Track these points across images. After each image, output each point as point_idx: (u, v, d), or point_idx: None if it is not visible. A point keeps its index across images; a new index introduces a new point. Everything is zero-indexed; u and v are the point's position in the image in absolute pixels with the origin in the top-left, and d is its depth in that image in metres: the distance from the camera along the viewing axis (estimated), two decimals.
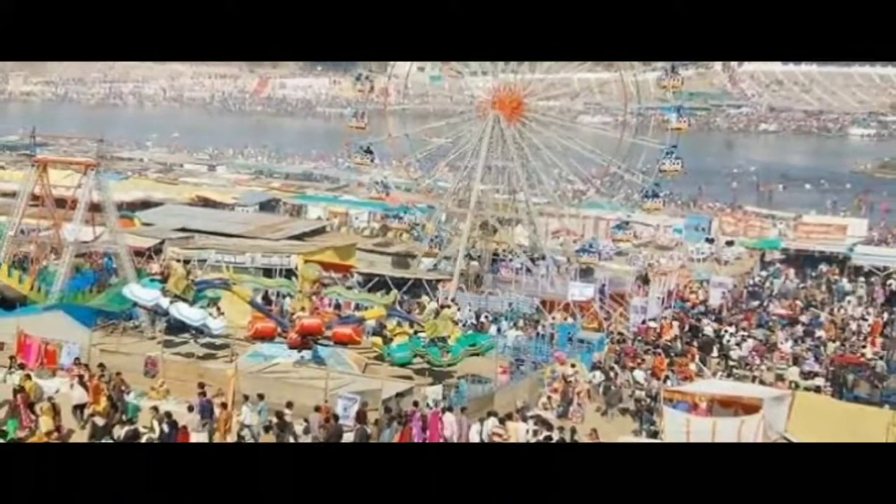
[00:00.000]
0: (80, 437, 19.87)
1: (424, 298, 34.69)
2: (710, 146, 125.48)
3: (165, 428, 19.06)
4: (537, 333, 31.70)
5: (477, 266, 41.69)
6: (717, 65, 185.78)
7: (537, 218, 43.65)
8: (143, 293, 26.70)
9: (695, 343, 32.35)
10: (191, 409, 20.27)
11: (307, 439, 19.47)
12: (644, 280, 41.33)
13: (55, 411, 19.39)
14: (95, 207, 33.10)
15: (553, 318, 34.51)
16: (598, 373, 27.17)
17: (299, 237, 41.89)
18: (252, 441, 19.72)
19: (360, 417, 20.65)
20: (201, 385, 21.41)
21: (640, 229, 51.63)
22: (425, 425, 20.23)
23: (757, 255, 53.77)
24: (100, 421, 19.85)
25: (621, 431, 22.72)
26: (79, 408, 21.25)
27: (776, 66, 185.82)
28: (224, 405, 20.48)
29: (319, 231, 45.58)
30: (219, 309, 26.90)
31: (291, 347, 25.53)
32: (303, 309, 25.91)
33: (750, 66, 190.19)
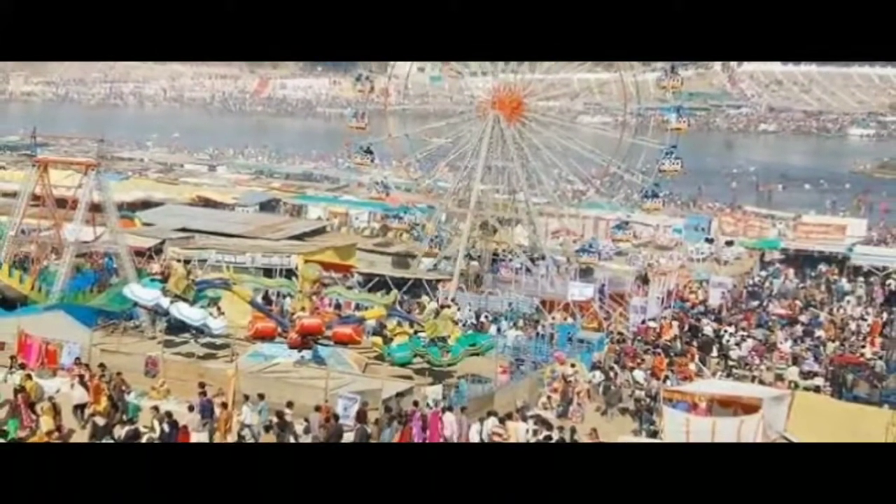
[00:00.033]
0: (81, 436, 19.89)
1: (424, 298, 34.71)
2: (709, 146, 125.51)
3: (166, 428, 19.09)
4: (537, 333, 31.72)
5: (477, 266, 41.71)
6: (717, 65, 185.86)
7: (537, 218, 43.66)
8: (143, 293, 26.72)
9: (694, 343, 32.37)
10: (191, 408, 20.28)
11: (307, 439, 19.49)
12: (644, 280, 41.36)
13: (56, 411, 19.42)
14: (96, 207, 33.14)
15: (553, 318, 34.52)
16: (597, 373, 27.18)
17: (299, 237, 41.92)
18: (252, 441, 19.74)
19: (361, 417, 20.67)
20: (202, 385, 21.43)
21: (639, 229, 51.65)
22: (425, 425, 20.24)
23: (756, 255, 53.80)
24: (100, 421, 19.87)
25: (621, 431, 22.72)
26: (79, 408, 21.27)
27: (776, 67, 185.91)
28: (224, 405, 20.49)
29: (320, 231, 45.61)
30: (219, 309, 26.92)
31: (292, 347, 25.54)
32: (303, 309, 25.92)
33: (749, 67, 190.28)
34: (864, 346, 33.57)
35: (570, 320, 34.23)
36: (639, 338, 33.08)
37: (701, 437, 17.74)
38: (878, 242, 57.14)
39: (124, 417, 19.97)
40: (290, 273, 32.92)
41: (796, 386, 26.98)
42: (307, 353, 25.53)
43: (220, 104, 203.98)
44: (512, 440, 20.19)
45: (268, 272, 34.26)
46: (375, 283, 35.19)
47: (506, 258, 41.91)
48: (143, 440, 18.56)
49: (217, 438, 19.80)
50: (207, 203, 54.28)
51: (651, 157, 40.77)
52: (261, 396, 20.90)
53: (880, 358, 31.67)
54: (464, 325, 29.64)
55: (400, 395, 22.63)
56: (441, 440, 20.05)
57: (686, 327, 35.14)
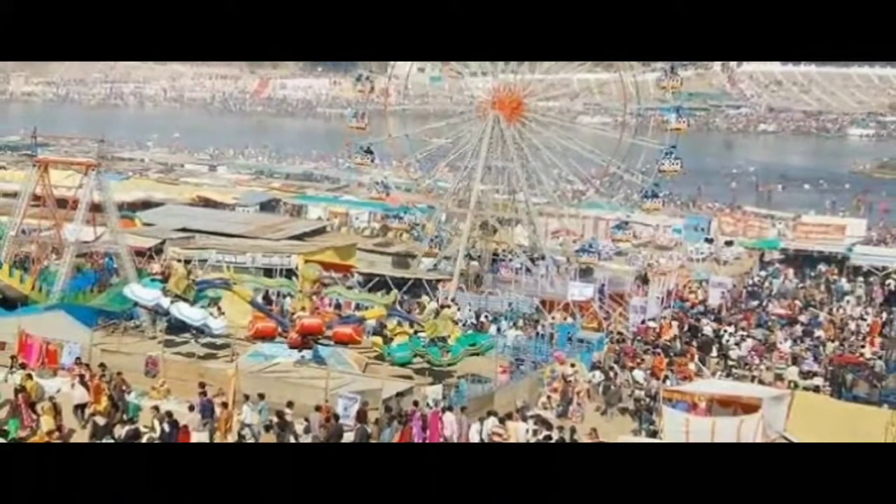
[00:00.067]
0: (81, 436, 19.91)
1: (424, 298, 34.71)
2: (709, 146, 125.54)
3: (166, 427, 19.11)
4: (537, 333, 31.72)
5: (477, 266, 41.72)
6: (717, 65, 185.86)
7: (537, 218, 43.67)
8: (143, 293, 26.73)
9: (694, 343, 32.37)
10: (191, 408, 20.31)
11: (307, 439, 19.50)
12: (643, 280, 41.38)
13: (56, 411, 19.43)
14: (96, 207, 33.16)
15: (553, 318, 34.52)
16: (597, 372, 27.19)
17: (300, 237, 41.94)
18: (253, 440, 19.76)
19: (361, 417, 20.68)
20: (202, 385, 21.46)
21: (639, 229, 51.68)
22: (425, 425, 20.25)
23: (756, 255, 53.79)
24: (101, 420, 19.90)
25: (621, 431, 22.72)
26: (80, 407, 21.29)
27: (775, 67, 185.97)
28: (225, 405, 20.52)
29: (320, 231, 45.63)
30: (219, 309, 26.94)
31: (292, 347, 25.56)
32: (303, 309, 25.93)
33: (749, 67, 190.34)
34: (863, 346, 33.56)
35: (569, 320, 34.22)
36: (638, 338, 33.09)
37: (701, 437, 17.75)
38: (877, 242, 57.17)
39: (125, 417, 19.99)
40: (290, 273, 32.95)
41: (796, 386, 26.99)
42: (307, 353, 25.55)
43: (220, 104, 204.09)
44: (512, 440, 20.19)
45: (268, 272, 34.28)
46: (375, 283, 35.21)
47: (506, 258, 41.91)
48: (144, 440, 18.58)
49: (217, 438, 19.81)
50: (208, 203, 54.29)
51: (651, 157, 40.78)
52: (261, 396, 20.92)
53: (880, 358, 31.66)
54: (464, 325, 29.64)
55: (400, 394, 22.65)
56: (441, 440, 20.07)
57: (686, 327, 35.14)
